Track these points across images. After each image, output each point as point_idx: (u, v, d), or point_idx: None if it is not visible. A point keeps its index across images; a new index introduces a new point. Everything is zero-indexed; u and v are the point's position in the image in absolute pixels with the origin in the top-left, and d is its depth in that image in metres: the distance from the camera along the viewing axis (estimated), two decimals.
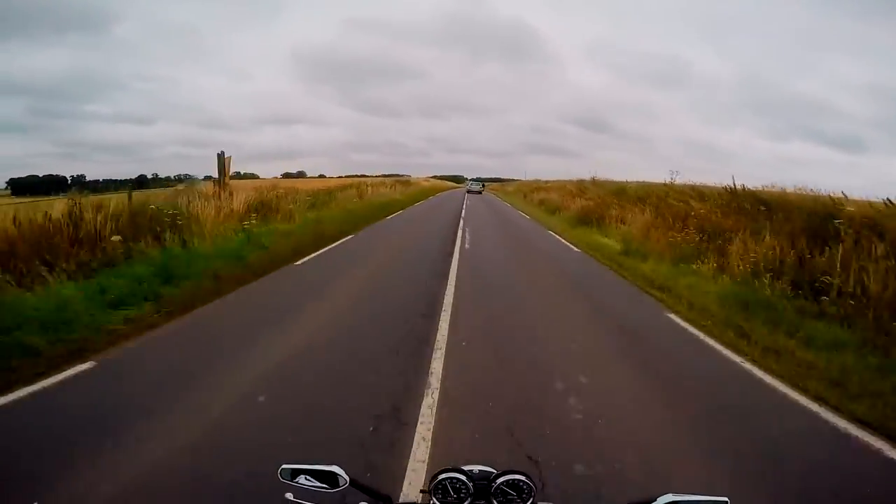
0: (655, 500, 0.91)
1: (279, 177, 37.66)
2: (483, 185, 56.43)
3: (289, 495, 1.00)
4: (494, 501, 0.98)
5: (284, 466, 1.01)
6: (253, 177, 30.37)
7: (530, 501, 0.98)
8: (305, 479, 1.00)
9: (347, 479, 0.99)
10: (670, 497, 0.90)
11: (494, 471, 1.03)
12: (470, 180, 52.59)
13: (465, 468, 1.02)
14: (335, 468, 1.00)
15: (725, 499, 0.91)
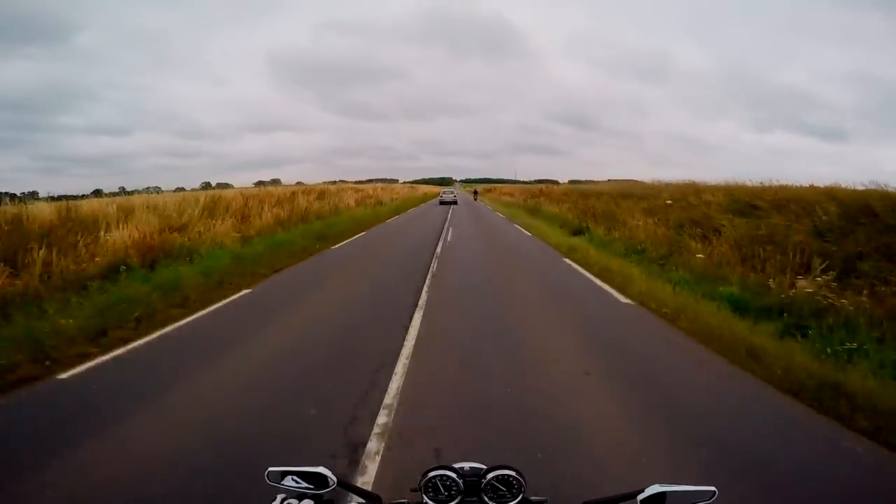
0: (643, 490, 0.91)
1: (252, 185, 34.86)
2: (476, 193, 49.21)
3: (280, 496, 0.98)
4: (485, 497, 1.01)
5: (271, 469, 1.00)
6: (227, 187, 28.00)
7: (520, 496, 1.01)
8: (293, 480, 0.99)
9: (335, 479, 1.00)
10: (657, 487, 0.91)
11: (484, 467, 1.04)
12: (443, 191, 42.54)
13: (456, 465, 1.04)
14: (322, 469, 1.00)
15: (713, 488, 0.90)
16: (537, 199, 27.18)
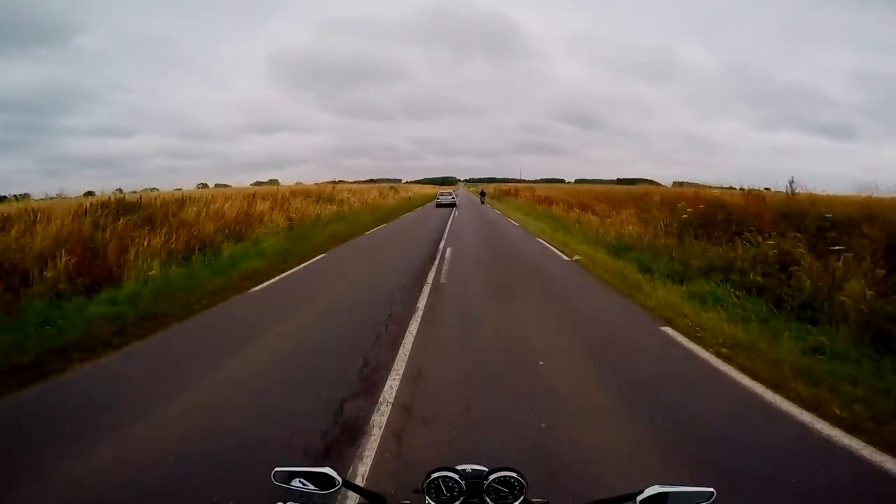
0: (642, 491, 0.93)
1: (249, 185, 33.06)
2: (483, 194, 38.94)
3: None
4: (487, 499, 1.01)
5: (278, 469, 1.03)
6: (226, 188, 27.77)
7: (522, 497, 1.01)
8: (300, 482, 1.02)
9: (340, 480, 1.01)
10: (657, 488, 0.92)
11: (486, 469, 1.04)
12: (439, 192, 37.23)
13: (458, 467, 1.05)
14: (328, 470, 1.02)
15: (711, 490, 0.92)
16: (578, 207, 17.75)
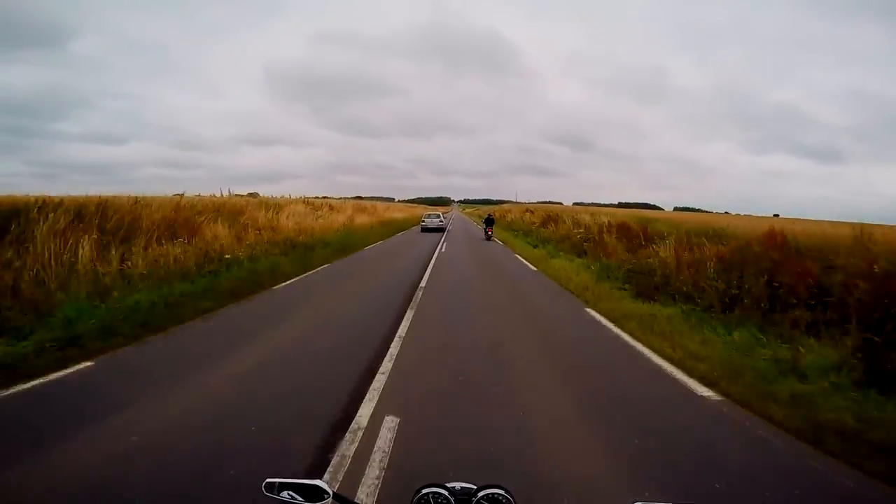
0: None
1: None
2: (490, 225, 22.91)
3: None
4: None
5: (269, 480, 1.02)
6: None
7: None
8: (289, 494, 1.01)
9: (331, 492, 1.01)
10: None
11: (475, 486, 1.04)
12: (425, 215, 29.31)
13: (448, 485, 1.04)
14: (319, 482, 1.01)
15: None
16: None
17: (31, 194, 8.99)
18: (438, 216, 28.79)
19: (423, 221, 27.64)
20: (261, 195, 26.18)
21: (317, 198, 30.57)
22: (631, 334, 5.95)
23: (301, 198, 25.11)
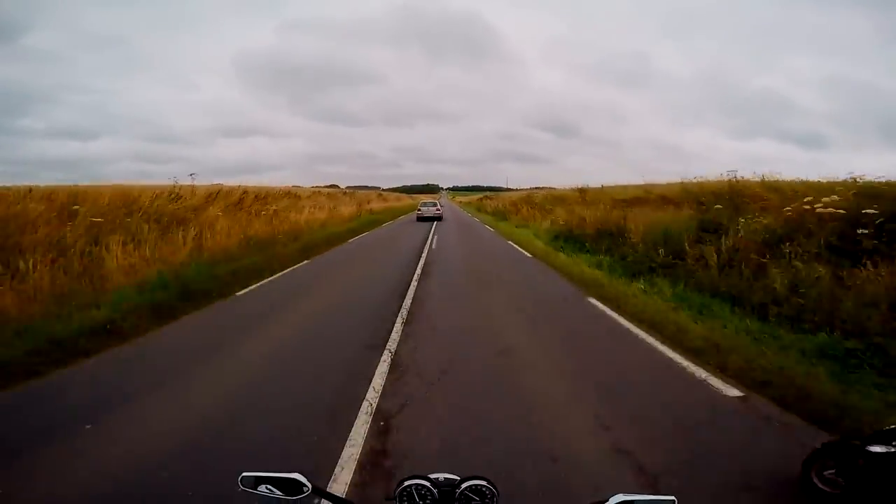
0: (607, 500, 0.94)
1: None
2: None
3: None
4: None
5: (245, 474, 1.00)
6: None
7: None
8: (266, 488, 0.99)
9: (310, 486, 1.00)
10: (621, 497, 0.94)
11: (458, 478, 1.05)
12: (422, 203, 30.22)
13: (431, 476, 1.04)
14: (297, 475, 1.00)
15: (672, 498, 0.95)
16: None
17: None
18: (435, 204, 28.64)
19: (420, 210, 27.56)
20: (247, 187, 29.16)
21: (316, 188, 34.09)
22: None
23: (321, 190, 29.35)
